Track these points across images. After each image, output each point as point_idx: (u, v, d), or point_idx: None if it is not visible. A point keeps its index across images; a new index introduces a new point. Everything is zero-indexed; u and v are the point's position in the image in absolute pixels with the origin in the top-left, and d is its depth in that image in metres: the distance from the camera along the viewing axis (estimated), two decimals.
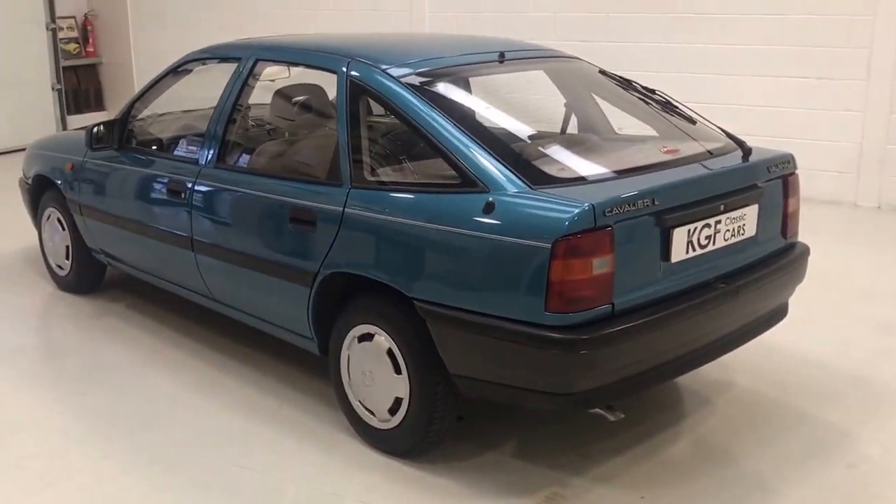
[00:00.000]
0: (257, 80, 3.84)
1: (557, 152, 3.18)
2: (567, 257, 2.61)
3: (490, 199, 2.77)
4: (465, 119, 3.10)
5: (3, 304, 4.81)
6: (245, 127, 3.98)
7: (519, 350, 2.72)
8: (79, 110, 9.71)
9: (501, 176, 2.82)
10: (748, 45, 6.58)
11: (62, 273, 4.95)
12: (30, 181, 5.04)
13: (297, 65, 3.79)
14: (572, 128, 3.79)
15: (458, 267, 2.84)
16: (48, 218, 4.96)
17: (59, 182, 4.71)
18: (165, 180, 3.96)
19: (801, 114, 6.49)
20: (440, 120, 3.02)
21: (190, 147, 4.00)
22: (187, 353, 4.12)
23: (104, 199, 4.42)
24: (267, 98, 4.14)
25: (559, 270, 2.61)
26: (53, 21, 9.11)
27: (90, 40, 9.75)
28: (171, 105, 4.58)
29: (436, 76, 3.31)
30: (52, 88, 9.23)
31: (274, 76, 4.10)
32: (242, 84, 3.78)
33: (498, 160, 2.86)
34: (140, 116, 4.48)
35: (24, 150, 5.37)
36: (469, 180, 2.86)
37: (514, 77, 3.65)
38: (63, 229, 4.83)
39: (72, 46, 9.64)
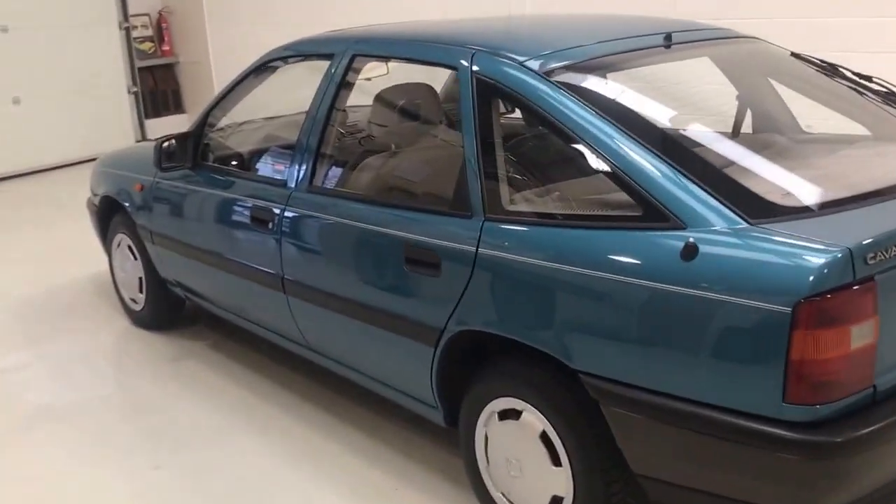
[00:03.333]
0: (356, 80, 3.13)
1: (772, 169, 2.37)
2: (816, 326, 1.83)
3: (690, 239, 1.99)
4: (641, 127, 2.32)
5: (71, 346, 4.22)
6: (343, 140, 3.27)
7: (741, 452, 1.95)
8: (157, 113, 9.16)
9: (705, 206, 2.04)
10: None
11: (136, 307, 4.34)
12: (97, 203, 4.45)
13: (405, 60, 3.04)
14: (745, 128, 2.99)
15: (647, 333, 2.07)
16: (118, 245, 4.36)
17: (128, 205, 4.10)
18: (249, 206, 3.28)
19: None
20: (608, 129, 2.26)
21: (276, 165, 3.33)
22: (282, 410, 3.44)
23: (178, 226, 3.77)
24: (366, 101, 3.43)
25: (804, 345, 1.83)
26: (126, 20, 8.58)
27: (165, 38, 9.20)
28: (252, 113, 3.91)
29: (589, 69, 2.55)
30: (128, 91, 8.72)
31: (369, 74, 3.39)
32: (338, 86, 3.07)
33: (697, 183, 2.08)
34: (218, 126, 3.82)
35: None
36: (656, 212, 2.09)
37: (681, 66, 2.86)
38: (135, 258, 4.22)
39: (146, 46, 9.11)
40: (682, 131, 2.44)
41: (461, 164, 2.53)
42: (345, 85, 3.08)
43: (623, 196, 2.18)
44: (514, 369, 2.43)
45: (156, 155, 3.59)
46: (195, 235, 3.65)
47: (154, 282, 4.14)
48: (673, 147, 2.24)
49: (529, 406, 2.37)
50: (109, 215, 4.38)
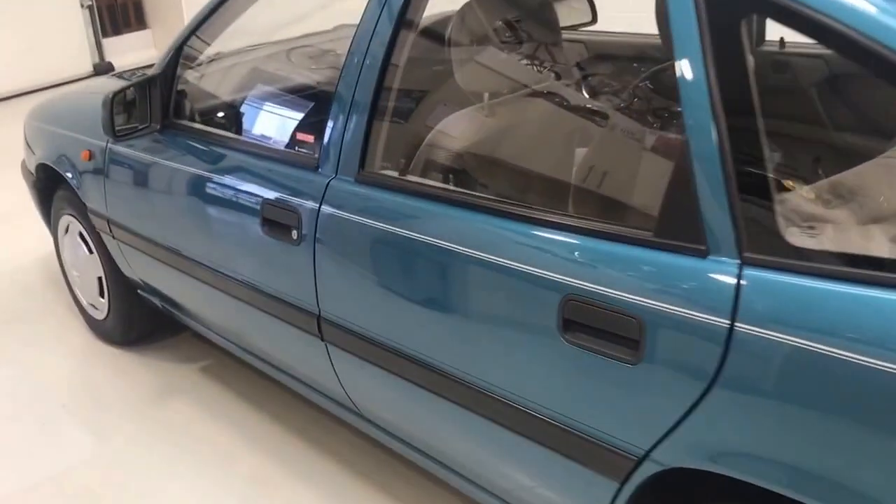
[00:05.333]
0: None
1: None
2: None
3: None
4: None
5: (7, 378, 3.02)
6: (413, 96, 2.03)
7: None
8: (116, 31, 7.90)
9: None
10: None
11: (98, 315, 3.14)
12: (33, 170, 3.20)
13: None
14: None
15: None
16: (66, 230, 3.13)
17: (72, 179, 2.85)
18: (256, 199, 2.06)
19: None
20: None
21: (299, 134, 2.09)
22: (324, 493, 2.29)
23: (146, 217, 2.54)
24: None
25: None
26: None
27: None
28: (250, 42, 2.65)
29: None
30: (81, 6, 7.44)
31: None
32: (403, 4, 1.81)
33: None
34: (198, 63, 2.56)
35: (53, 88, 3.46)
36: None
37: None
38: (90, 251, 3.00)
39: None
40: None
41: (681, 146, 1.32)
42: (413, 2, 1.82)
43: None
44: None
45: (105, 115, 2.32)
46: (174, 236, 2.44)
47: (119, 283, 2.95)
48: None
49: None
50: (52, 187, 3.14)
